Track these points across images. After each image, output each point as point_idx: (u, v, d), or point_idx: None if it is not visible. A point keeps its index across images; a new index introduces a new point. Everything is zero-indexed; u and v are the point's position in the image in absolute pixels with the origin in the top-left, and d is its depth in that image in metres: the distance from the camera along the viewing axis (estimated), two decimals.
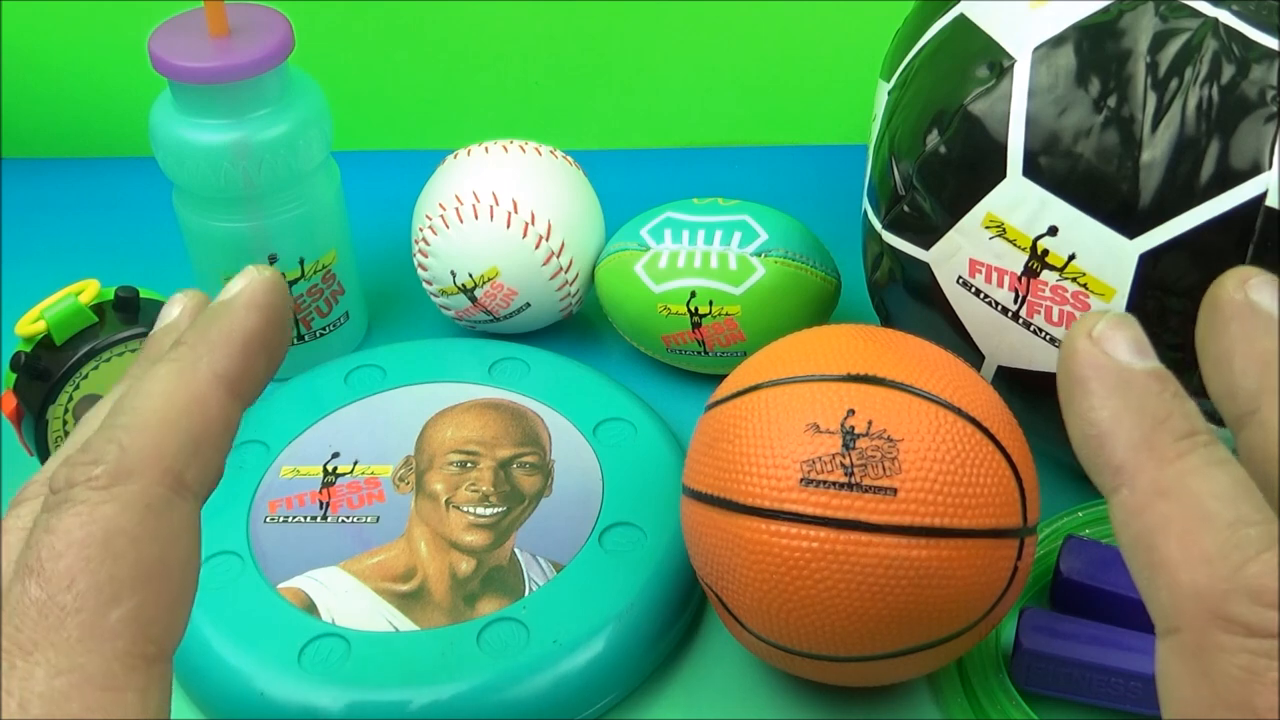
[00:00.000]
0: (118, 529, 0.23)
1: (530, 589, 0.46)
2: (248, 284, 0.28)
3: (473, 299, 0.58)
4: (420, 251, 0.59)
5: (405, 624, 0.45)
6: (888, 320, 0.52)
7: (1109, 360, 0.24)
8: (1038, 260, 0.43)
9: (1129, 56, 0.41)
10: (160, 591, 0.24)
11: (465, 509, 0.49)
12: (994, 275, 0.45)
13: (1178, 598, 0.21)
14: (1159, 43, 0.41)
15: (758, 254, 0.55)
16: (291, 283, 0.57)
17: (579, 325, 0.63)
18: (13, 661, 0.22)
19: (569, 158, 0.60)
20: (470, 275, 0.57)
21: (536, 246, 0.57)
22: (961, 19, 0.46)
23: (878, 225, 0.49)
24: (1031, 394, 0.46)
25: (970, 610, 0.39)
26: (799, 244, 0.56)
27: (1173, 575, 0.21)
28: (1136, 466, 0.22)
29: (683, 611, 0.47)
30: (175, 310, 0.31)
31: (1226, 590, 0.21)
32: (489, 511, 0.49)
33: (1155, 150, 0.41)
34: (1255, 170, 0.40)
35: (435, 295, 0.60)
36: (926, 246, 0.47)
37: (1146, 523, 0.22)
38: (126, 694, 0.23)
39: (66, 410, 0.50)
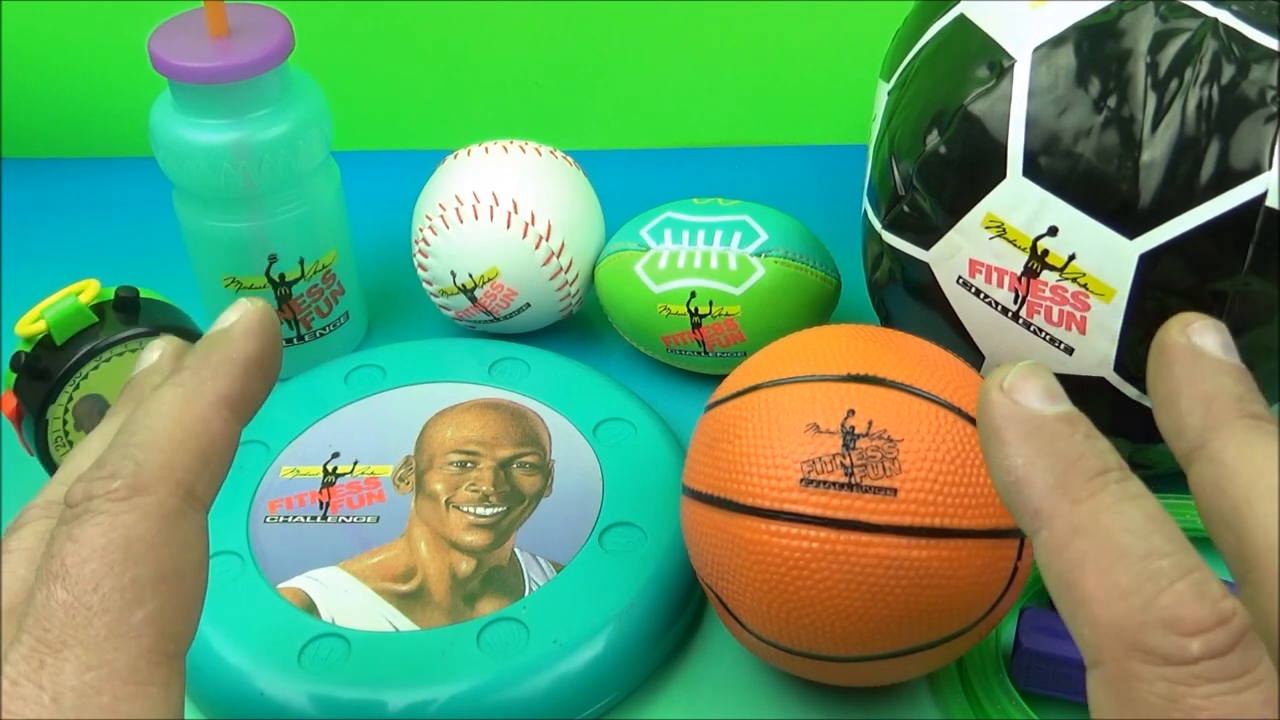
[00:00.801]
0: (138, 536, 0.25)
1: (530, 589, 0.46)
2: (243, 314, 0.30)
3: (473, 299, 0.58)
4: (420, 251, 0.59)
5: (405, 624, 0.45)
6: (888, 320, 0.52)
7: (1020, 409, 0.24)
8: (1038, 260, 0.43)
9: (1129, 56, 0.41)
10: (178, 593, 0.26)
11: (465, 509, 0.49)
12: (994, 275, 0.45)
13: (1098, 632, 0.22)
14: (1159, 43, 0.41)
15: (758, 254, 0.55)
16: (291, 283, 0.57)
17: (579, 325, 0.63)
18: (42, 659, 0.24)
19: (569, 158, 0.60)
20: (470, 275, 0.57)
21: (536, 246, 0.57)
22: (961, 19, 0.46)
23: (878, 225, 0.49)
24: None
25: (970, 610, 0.39)
26: (799, 244, 0.56)
27: (1092, 611, 0.22)
28: (1053, 508, 0.23)
29: (683, 611, 0.47)
30: (155, 354, 0.33)
31: (1142, 622, 0.21)
32: (489, 511, 0.49)
33: (1155, 150, 0.41)
34: (1255, 170, 0.40)
35: (435, 295, 0.60)
36: (926, 246, 0.47)
37: (1065, 561, 0.23)
38: (151, 688, 0.25)
39: (66, 410, 0.50)
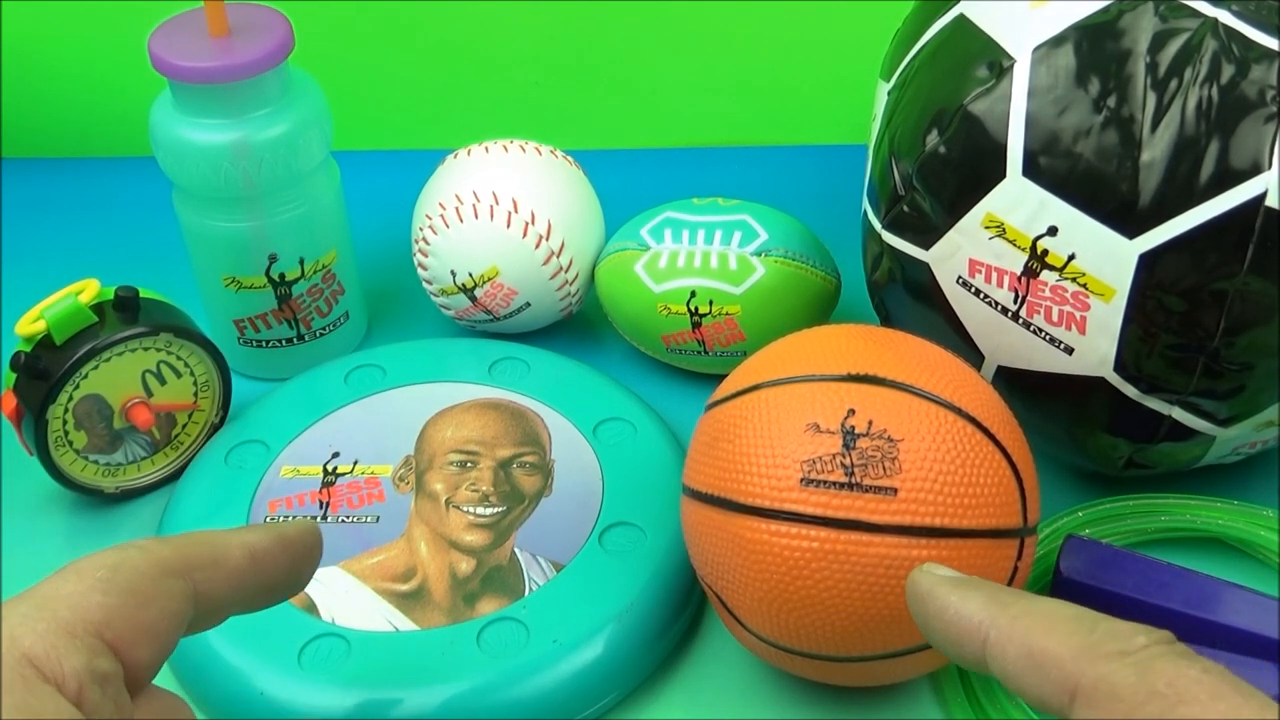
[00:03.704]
0: None
1: (530, 589, 0.46)
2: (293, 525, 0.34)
3: (473, 299, 0.58)
4: (420, 251, 0.59)
5: (405, 624, 0.45)
6: (888, 320, 0.52)
7: (942, 573, 0.34)
8: (1037, 260, 0.43)
9: (1129, 56, 0.41)
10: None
11: (465, 509, 0.49)
12: (994, 275, 0.45)
13: (1065, 666, 0.28)
14: (1159, 43, 0.41)
15: (758, 254, 0.55)
16: (291, 282, 0.57)
17: (579, 325, 0.63)
18: None
19: (569, 158, 0.60)
20: (470, 275, 0.57)
21: (536, 246, 0.57)
22: (961, 19, 0.46)
23: (878, 225, 0.49)
24: (1031, 394, 0.46)
25: None
26: (799, 244, 0.56)
27: (1053, 655, 0.28)
28: (992, 616, 0.30)
29: (683, 611, 0.47)
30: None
31: (1094, 641, 0.28)
32: (489, 511, 0.49)
33: (1155, 150, 0.41)
34: (1255, 170, 0.40)
35: (435, 295, 0.60)
36: (926, 246, 0.47)
37: (1017, 641, 0.29)
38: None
39: (66, 410, 0.50)
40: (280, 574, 0.33)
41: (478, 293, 0.58)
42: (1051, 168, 0.42)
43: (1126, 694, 0.27)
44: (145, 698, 0.29)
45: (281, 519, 0.49)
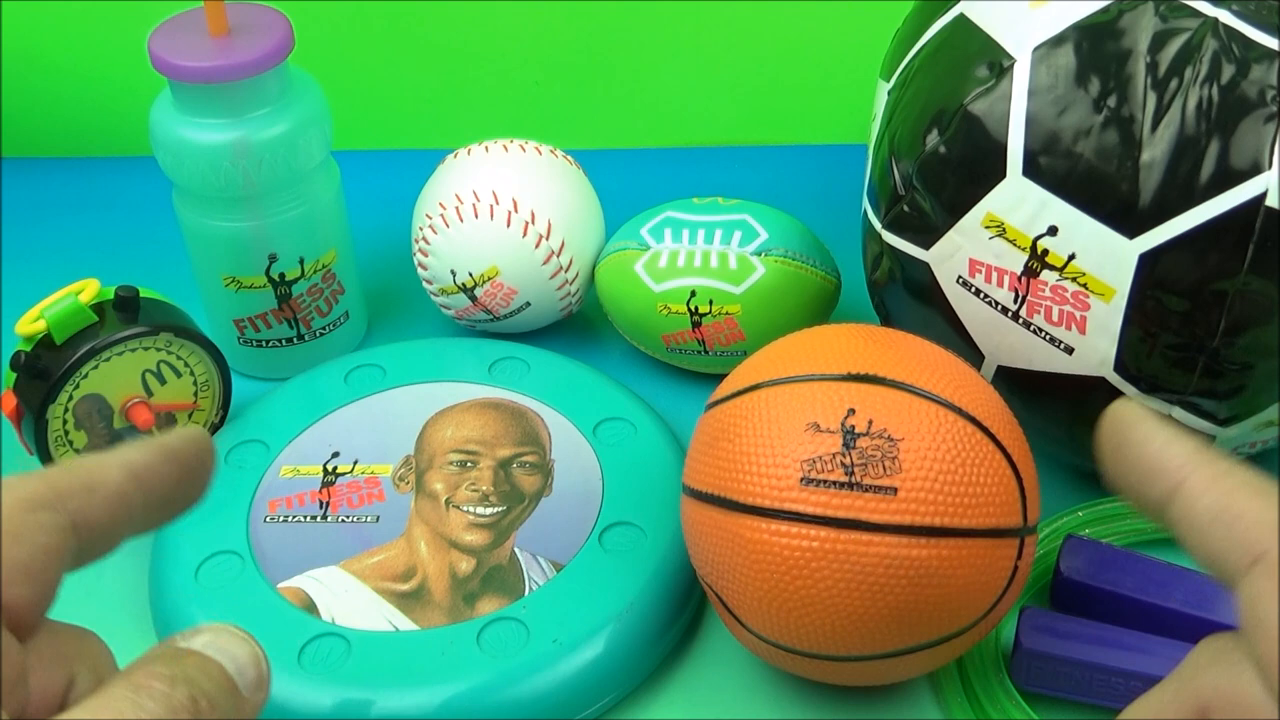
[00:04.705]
0: None
1: (530, 588, 0.46)
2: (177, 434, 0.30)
3: (473, 298, 0.58)
4: (420, 251, 0.59)
5: (405, 623, 0.45)
6: (888, 320, 0.52)
7: (1150, 409, 0.30)
8: (1038, 260, 0.43)
9: (1129, 56, 0.41)
10: None
11: (465, 508, 0.49)
12: (994, 275, 0.45)
13: (1260, 530, 0.26)
14: (1159, 42, 0.41)
15: (758, 253, 0.55)
16: (291, 282, 0.57)
17: (579, 325, 0.63)
18: None
19: (569, 157, 0.60)
20: (470, 274, 0.57)
21: (536, 246, 0.57)
22: (961, 19, 0.46)
23: (878, 225, 0.49)
24: (1031, 394, 0.46)
25: (970, 610, 0.39)
26: (799, 243, 0.56)
27: (1253, 519, 0.27)
28: (1193, 467, 0.28)
29: (683, 611, 0.47)
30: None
31: None
32: (489, 511, 0.49)
33: (1155, 150, 0.41)
34: (1255, 170, 0.40)
35: (435, 295, 0.60)
36: (926, 246, 0.47)
37: (1216, 495, 0.27)
38: None
39: (66, 410, 0.50)
40: (170, 488, 0.30)
41: (478, 292, 0.58)
42: (1051, 167, 0.42)
43: None
44: (45, 635, 0.28)
45: (281, 519, 0.49)
